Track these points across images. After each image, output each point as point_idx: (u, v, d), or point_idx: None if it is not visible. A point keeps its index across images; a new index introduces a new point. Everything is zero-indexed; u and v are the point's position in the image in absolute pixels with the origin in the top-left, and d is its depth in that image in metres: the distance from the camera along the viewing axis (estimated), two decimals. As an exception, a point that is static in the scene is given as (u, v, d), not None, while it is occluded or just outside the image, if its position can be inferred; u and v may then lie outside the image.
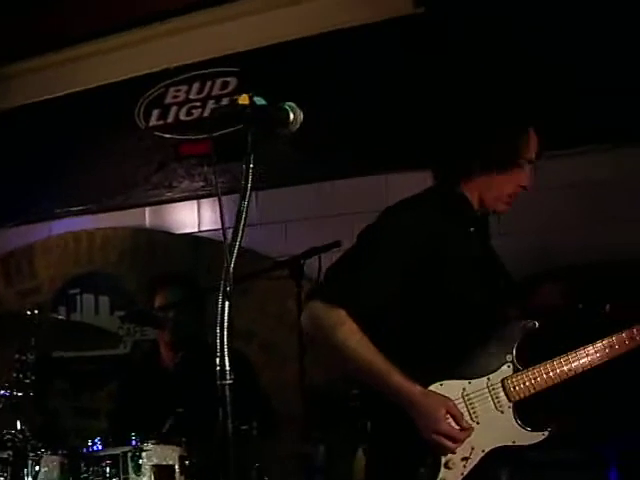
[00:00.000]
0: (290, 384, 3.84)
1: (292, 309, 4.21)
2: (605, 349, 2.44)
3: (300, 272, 3.53)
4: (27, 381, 2.95)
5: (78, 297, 5.45)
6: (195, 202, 5.21)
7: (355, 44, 4.72)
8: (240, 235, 1.59)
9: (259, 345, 4.74)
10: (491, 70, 4.30)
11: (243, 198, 1.63)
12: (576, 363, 2.41)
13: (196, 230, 5.19)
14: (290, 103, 1.76)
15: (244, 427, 3.21)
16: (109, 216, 5.50)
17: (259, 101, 1.73)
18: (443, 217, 2.41)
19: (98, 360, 5.29)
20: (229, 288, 1.52)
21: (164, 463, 2.99)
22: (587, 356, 2.42)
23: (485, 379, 2.31)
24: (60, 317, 4.44)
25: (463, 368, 2.31)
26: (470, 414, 2.27)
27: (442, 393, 2.24)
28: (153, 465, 2.95)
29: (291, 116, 1.73)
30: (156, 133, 5.31)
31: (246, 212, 1.63)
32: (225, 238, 1.55)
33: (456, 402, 2.25)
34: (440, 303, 2.34)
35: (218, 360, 1.50)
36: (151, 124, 5.34)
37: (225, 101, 4.97)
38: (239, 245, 1.57)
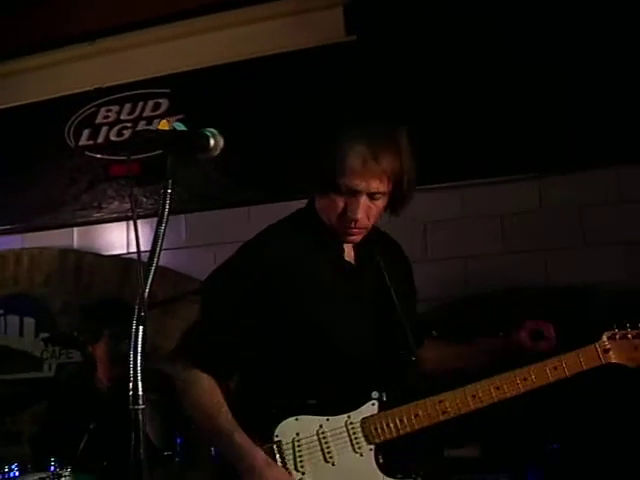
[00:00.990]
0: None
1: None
2: (492, 391, 2.20)
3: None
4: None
5: (2, 318, 5.34)
6: (124, 223, 5.16)
7: (286, 70, 4.76)
8: (156, 259, 1.59)
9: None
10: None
11: (160, 223, 1.64)
12: (452, 403, 2.16)
13: (125, 252, 5.15)
14: (211, 129, 1.77)
15: (167, 452, 3.18)
16: (37, 236, 5.41)
17: (179, 126, 1.74)
18: (297, 245, 2.26)
19: (21, 383, 5.19)
20: (143, 313, 1.52)
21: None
22: (472, 396, 2.18)
23: (345, 417, 2.13)
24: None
25: (323, 404, 2.14)
26: (324, 454, 2.11)
27: (296, 428, 2.10)
28: (72, 491, 2.89)
29: (211, 142, 1.74)
30: (86, 153, 5.27)
31: (162, 236, 1.64)
32: (140, 262, 1.55)
33: (309, 439, 2.10)
34: (295, 337, 2.18)
35: (131, 385, 1.49)
36: (81, 143, 5.29)
37: (156, 122, 4.95)
38: (155, 269, 1.58)
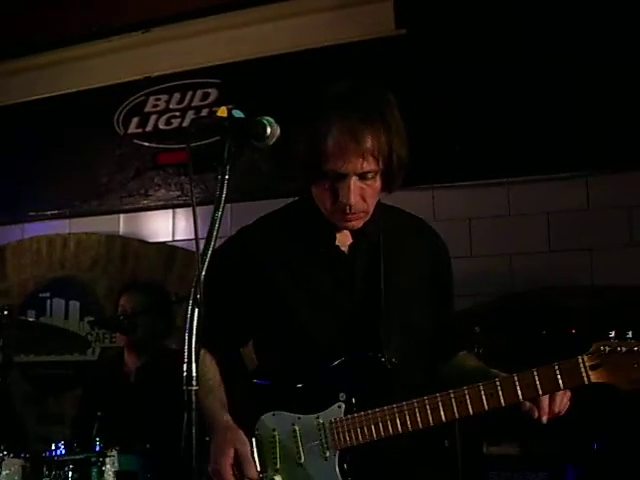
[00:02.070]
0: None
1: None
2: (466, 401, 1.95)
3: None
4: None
5: (48, 301, 5.43)
6: (170, 211, 5.22)
7: (335, 62, 4.77)
8: (212, 244, 1.61)
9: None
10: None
11: (217, 209, 1.66)
12: (412, 417, 1.97)
13: (170, 239, 5.21)
14: (268, 117, 1.79)
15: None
16: (83, 221, 5.50)
17: (237, 114, 1.76)
18: (283, 232, 2.21)
19: (65, 365, 5.29)
20: (199, 296, 1.54)
21: (127, 470, 2.99)
22: (437, 409, 1.96)
23: (314, 417, 2.03)
24: (30, 319, 4.41)
25: (297, 401, 2.05)
26: (295, 453, 2.03)
27: (273, 423, 2.04)
28: (116, 471, 2.94)
29: (268, 130, 1.76)
30: (135, 141, 5.33)
31: (219, 222, 1.66)
32: (198, 247, 1.57)
33: (284, 436, 2.03)
34: (272, 324, 2.14)
35: (185, 366, 1.52)
36: (130, 131, 5.36)
37: (205, 112, 5.00)
38: (211, 254, 1.60)
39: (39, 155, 5.58)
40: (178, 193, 5.16)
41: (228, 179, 1.69)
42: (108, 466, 2.91)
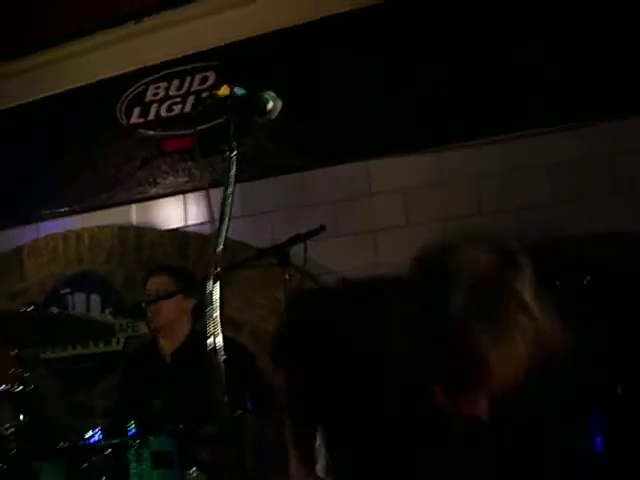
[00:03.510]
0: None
1: (280, 297, 4.30)
2: None
3: (286, 259, 3.57)
4: (26, 375, 3.02)
5: (69, 297, 5.51)
6: (181, 197, 5.27)
7: (334, 33, 4.79)
8: (228, 219, 1.66)
9: (249, 334, 4.82)
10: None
11: (228, 185, 1.70)
12: None
13: (182, 225, 5.26)
14: (269, 92, 1.83)
15: (239, 411, 3.28)
16: (95, 215, 5.55)
17: (239, 91, 1.80)
18: None
19: (90, 358, 5.38)
20: (219, 269, 1.59)
21: (161, 450, 3.06)
22: None
23: None
24: (56, 311, 4.48)
25: None
26: None
27: None
28: (152, 452, 3.02)
29: (270, 104, 1.81)
30: (138, 131, 5.37)
31: (232, 198, 1.70)
32: (213, 222, 1.62)
33: None
34: None
35: (211, 338, 1.58)
36: (132, 122, 5.40)
37: (205, 95, 5.02)
38: (227, 228, 1.65)
39: (47, 154, 5.62)
40: (187, 179, 5.20)
41: (236, 157, 1.73)
42: (145, 448, 2.98)
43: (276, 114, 1.83)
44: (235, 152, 1.72)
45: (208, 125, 1.82)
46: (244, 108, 1.79)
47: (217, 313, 1.58)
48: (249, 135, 1.76)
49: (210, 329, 1.59)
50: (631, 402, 3.52)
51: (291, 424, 2.25)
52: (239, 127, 1.77)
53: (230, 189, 1.70)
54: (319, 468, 2.01)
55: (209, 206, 1.69)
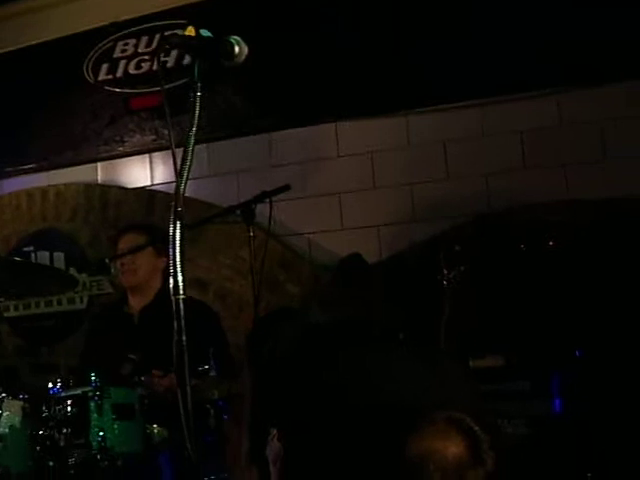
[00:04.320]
0: (246, 331, 3.93)
1: (245, 257, 4.31)
2: None
3: (251, 216, 3.57)
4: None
5: (33, 254, 5.46)
6: (147, 156, 5.23)
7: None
8: (190, 159, 1.65)
9: (214, 294, 4.82)
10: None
11: (192, 126, 1.69)
12: None
13: (149, 184, 5.22)
14: (236, 37, 1.81)
15: (202, 367, 3.29)
16: (61, 173, 5.50)
17: (205, 33, 1.79)
18: None
19: (54, 316, 5.35)
20: (180, 209, 1.59)
21: (123, 402, 3.06)
22: None
23: None
24: (19, 259, 4.42)
25: None
26: None
27: None
28: (113, 404, 3.01)
29: (236, 49, 1.79)
30: (106, 87, 5.31)
31: (194, 140, 1.69)
32: (175, 158, 1.61)
33: None
34: None
35: (172, 277, 1.57)
36: (100, 78, 5.33)
37: (173, 54, 4.96)
38: (189, 167, 1.64)
39: (12, 110, 5.54)
40: (153, 137, 5.15)
41: (200, 97, 1.72)
42: (106, 399, 2.97)
43: (242, 58, 1.81)
44: (199, 93, 1.70)
45: (175, 84, 1.80)
46: (210, 49, 1.77)
47: (178, 252, 1.58)
48: (216, 81, 1.75)
49: (171, 267, 1.58)
50: (591, 365, 3.59)
51: (249, 416, 2.31)
52: (206, 70, 1.75)
53: (193, 130, 1.68)
54: (268, 452, 2.09)
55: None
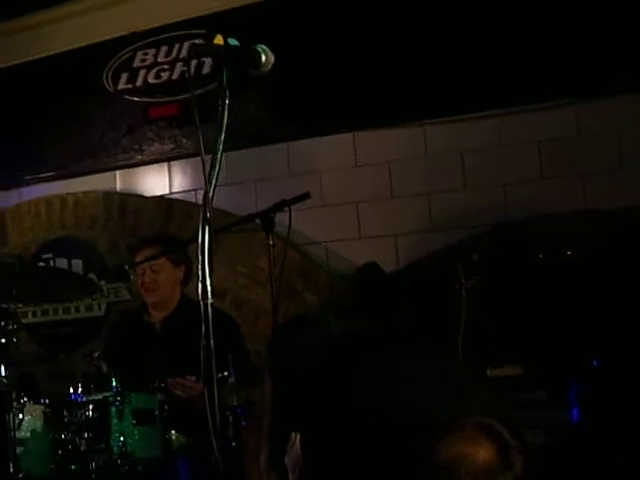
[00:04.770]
0: (263, 339, 3.95)
1: (262, 266, 4.33)
2: None
3: (271, 225, 3.58)
4: (10, 328, 3.02)
5: (52, 262, 5.49)
6: (165, 164, 5.27)
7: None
8: (218, 165, 1.68)
9: (230, 302, 4.83)
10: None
11: (220, 131, 1.71)
12: None
13: (167, 192, 5.26)
14: (262, 45, 1.84)
15: (222, 374, 3.30)
16: (80, 181, 5.54)
17: (232, 42, 1.82)
18: None
19: (72, 323, 5.39)
20: (209, 214, 1.61)
21: (145, 407, 3.09)
22: None
23: None
24: (41, 264, 4.46)
25: None
26: None
27: None
28: (134, 409, 3.04)
29: (263, 57, 1.82)
30: (125, 96, 5.36)
31: (222, 146, 1.71)
32: (204, 162, 1.63)
33: None
34: None
35: (200, 282, 1.60)
36: (120, 87, 5.38)
37: (193, 63, 4.99)
38: (217, 174, 1.66)
39: (32, 118, 5.59)
40: (172, 146, 5.19)
41: (229, 104, 1.74)
42: (126, 404, 3.00)
43: (269, 67, 1.83)
44: (227, 100, 1.73)
45: (186, 96, 1.83)
46: (237, 58, 1.80)
47: (207, 257, 1.60)
48: (243, 89, 1.77)
49: (199, 272, 1.60)
50: (608, 374, 3.59)
51: (269, 422, 2.32)
52: (233, 78, 1.78)
53: (221, 136, 1.71)
54: (287, 459, 2.11)
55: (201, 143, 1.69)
